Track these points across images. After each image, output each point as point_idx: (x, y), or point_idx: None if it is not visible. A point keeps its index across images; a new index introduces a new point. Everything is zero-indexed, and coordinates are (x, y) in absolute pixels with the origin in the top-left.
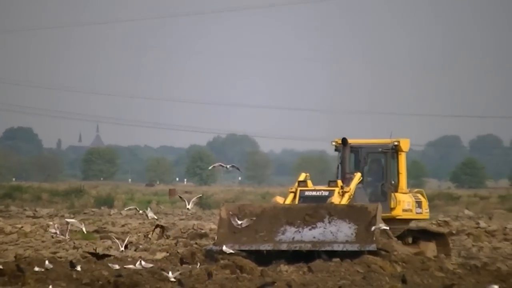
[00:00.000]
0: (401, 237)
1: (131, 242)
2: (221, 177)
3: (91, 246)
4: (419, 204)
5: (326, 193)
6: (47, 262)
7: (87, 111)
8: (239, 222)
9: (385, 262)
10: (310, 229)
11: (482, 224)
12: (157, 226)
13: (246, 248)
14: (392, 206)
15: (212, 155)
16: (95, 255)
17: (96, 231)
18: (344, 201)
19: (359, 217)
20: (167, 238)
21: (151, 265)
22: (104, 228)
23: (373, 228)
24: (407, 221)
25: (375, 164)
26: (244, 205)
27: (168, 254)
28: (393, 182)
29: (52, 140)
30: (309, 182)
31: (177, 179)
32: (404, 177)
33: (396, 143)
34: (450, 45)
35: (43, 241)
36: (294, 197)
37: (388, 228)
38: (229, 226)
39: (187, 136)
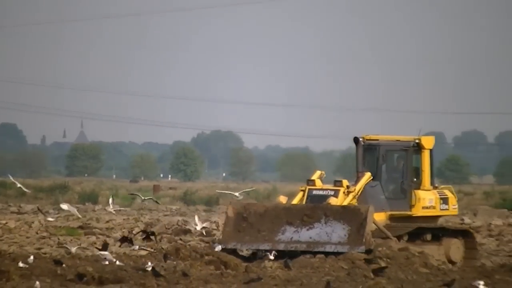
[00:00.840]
0: (417, 235)
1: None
2: (205, 173)
3: (75, 242)
4: (444, 200)
5: (332, 193)
6: (31, 257)
7: (72, 107)
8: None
9: (369, 258)
10: (307, 230)
11: (467, 220)
12: (144, 232)
13: (248, 248)
14: (412, 204)
15: (196, 151)
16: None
17: (81, 227)
18: (348, 201)
19: (352, 218)
20: (153, 240)
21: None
22: (89, 224)
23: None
24: (432, 218)
25: (395, 162)
26: (249, 204)
27: (152, 250)
28: (415, 179)
29: (37, 136)
30: (318, 181)
31: (162, 175)
32: (427, 175)
33: (417, 141)
34: (433, 41)
35: (27, 237)
36: (303, 196)
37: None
38: (235, 225)
39: (171, 133)
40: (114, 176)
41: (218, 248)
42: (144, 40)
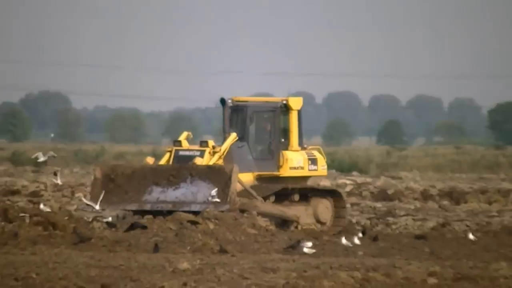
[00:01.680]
0: (285, 196)
1: None
2: (33, 134)
3: None
4: (313, 161)
5: (198, 153)
6: None
7: None
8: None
9: (197, 218)
10: (174, 190)
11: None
12: None
13: (115, 208)
14: (280, 164)
15: (24, 112)
16: None
17: None
18: (213, 161)
19: (217, 178)
20: None
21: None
22: None
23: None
24: (301, 179)
25: (263, 123)
26: (117, 165)
27: None
28: (283, 140)
29: None
30: (185, 142)
31: None
32: (295, 135)
33: (284, 102)
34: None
35: None
36: (170, 157)
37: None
38: (102, 186)
39: None
40: None
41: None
42: None
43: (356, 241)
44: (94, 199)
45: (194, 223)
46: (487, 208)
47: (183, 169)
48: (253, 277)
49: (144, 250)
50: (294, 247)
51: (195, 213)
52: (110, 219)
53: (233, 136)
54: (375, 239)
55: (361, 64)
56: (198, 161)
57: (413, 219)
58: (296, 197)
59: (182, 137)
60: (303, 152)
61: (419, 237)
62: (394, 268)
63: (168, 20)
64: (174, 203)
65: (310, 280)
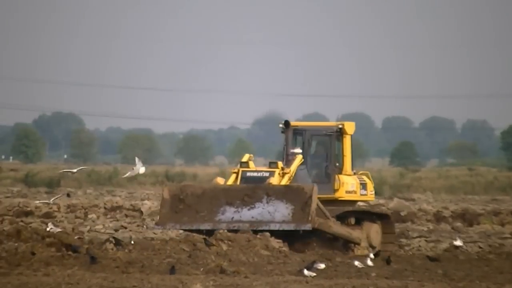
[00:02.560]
0: (342, 218)
1: None
2: (46, 155)
3: None
4: (363, 186)
5: (267, 174)
6: None
7: None
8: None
9: (211, 240)
10: (249, 209)
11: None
12: None
13: (187, 228)
14: (335, 188)
15: (38, 133)
16: None
17: None
18: (284, 182)
19: (295, 197)
20: None
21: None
22: None
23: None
24: (353, 202)
25: (320, 147)
26: (186, 185)
27: None
28: (337, 164)
29: None
30: (251, 163)
31: (3, 156)
32: (349, 160)
33: (340, 126)
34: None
35: None
36: (236, 178)
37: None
38: (171, 206)
39: (12, 114)
40: None
41: (56, 229)
42: None
43: (369, 262)
44: (163, 219)
45: (208, 244)
46: (500, 229)
47: (258, 189)
48: None
49: (158, 272)
50: (308, 268)
51: (272, 231)
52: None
53: (299, 158)
54: (388, 261)
55: (373, 85)
56: (273, 181)
57: (426, 240)
58: (352, 220)
59: (245, 159)
60: (355, 176)
61: (432, 259)
62: None
63: (181, 42)
64: (251, 223)
65: None
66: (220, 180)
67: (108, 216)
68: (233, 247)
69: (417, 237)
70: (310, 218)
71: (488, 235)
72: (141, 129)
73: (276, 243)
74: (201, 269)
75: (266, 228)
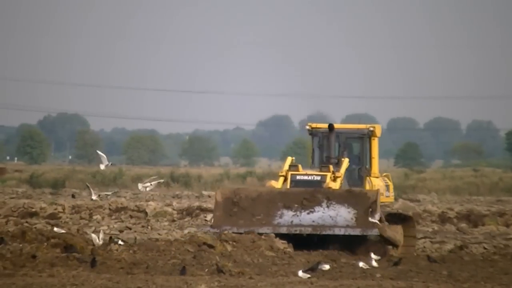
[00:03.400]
0: None
1: None
2: (51, 156)
3: None
4: (387, 187)
5: (318, 178)
6: None
7: None
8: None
9: (216, 241)
10: (308, 213)
11: None
12: None
13: (244, 231)
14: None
15: (42, 134)
16: None
17: None
18: (337, 185)
19: (358, 202)
20: None
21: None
22: None
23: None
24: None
25: (352, 149)
26: (240, 189)
27: None
28: (367, 166)
29: None
30: (300, 167)
31: (8, 157)
32: (377, 162)
33: (371, 129)
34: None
35: None
36: (285, 180)
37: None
38: (225, 209)
39: (17, 115)
40: None
41: (60, 230)
42: None
43: (374, 263)
44: (217, 222)
45: (211, 246)
46: (504, 230)
47: (317, 193)
48: None
49: (162, 273)
50: (313, 269)
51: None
52: None
53: (347, 161)
54: (396, 263)
55: (378, 86)
56: (332, 185)
57: (431, 241)
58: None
59: (288, 163)
60: (381, 178)
61: (432, 260)
62: None
63: (186, 43)
64: (313, 227)
65: None
66: (275, 183)
67: (113, 217)
68: (237, 248)
69: (422, 238)
70: (376, 223)
71: (493, 236)
72: (146, 130)
73: (280, 244)
74: (206, 270)
75: (330, 232)
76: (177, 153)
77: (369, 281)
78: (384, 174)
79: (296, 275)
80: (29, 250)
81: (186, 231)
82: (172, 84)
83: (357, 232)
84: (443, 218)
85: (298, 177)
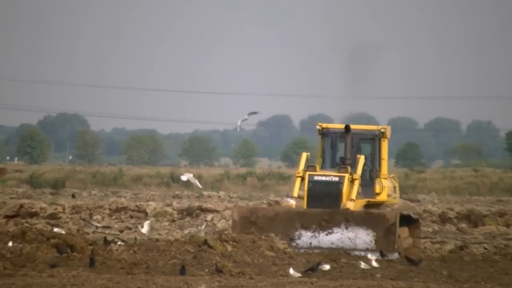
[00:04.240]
0: None
1: None
2: (51, 156)
3: None
4: (394, 189)
5: (336, 179)
6: None
7: None
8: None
9: (216, 241)
10: (326, 235)
11: None
12: None
13: None
14: (377, 191)
15: (43, 134)
16: None
17: None
18: (355, 189)
19: (377, 224)
20: None
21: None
22: None
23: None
24: (391, 205)
25: (363, 150)
26: (257, 208)
27: None
28: (377, 168)
29: None
30: (317, 167)
31: (8, 157)
32: (386, 163)
33: (382, 130)
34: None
35: None
36: (302, 181)
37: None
38: (242, 228)
39: (17, 115)
40: None
41: (60, 230)
42: None
43: (374, 263)
44: None
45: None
46: (505, 230)
47: (336, 214)
48: None
49: (162, 273)
50: (313, 269)
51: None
52: None
53: (363, 158)
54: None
55: (378, 86)
56: (350, 205)
57: (432, 241)
58: None
59: (303, 159)
60: (389, 180)
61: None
62: None
63: (186, 43)
64: (332, 250)
65: None
66: (292, 203)
67: (113, 217)
68: (237, 248)
69: (422, 238)
70: (396, 247)
71: (493, 236)
72: (146, 130)
73: (281, 244)
74: (206, 270)
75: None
76: (177, 153)
77: (369, 281)
78: (391, 175)
79: (296, 275)
80: (29, 250)
81: (186, 231)
82: (172, 84)
83: (377, 256)
84: (443, 218)
85: (316, 178)
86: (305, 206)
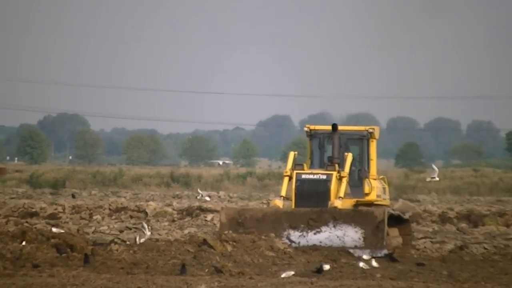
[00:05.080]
0: None
1: None
2: (51, 156)
3: None
4: (384, 190)
5: (324, 177)
6: None
7: None
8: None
9: (216, 241)
10: (315, 234)
11: None
12: None
13: None
14: (366, 192)
15: (43, 134)
16: None
17: None
18: (343, 187)
19: (365, 221)
20: None
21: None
22: None
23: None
24: (380, 206)
25: (352, 151)
26: (244, 209)
27: None
28: (366, 168)
29: None
30: (305, 165)
31: (8, 157)
32: (375, 164)
33: (371, 131)
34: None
35: None
36: (290, 180)
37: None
38: (230, 230)
39: (17, 115)
40: None
41: (59, 230)
42: None
43: (374, 263)
44: None
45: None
46: (505, 230)
47: (323, 212)
48: None
49: (162, 273)
50: (320, 271)
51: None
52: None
53: (350, 156)
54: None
55: (378, 86)
56: (338, 204)
57: (431, 241)
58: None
59: (291, 158)
60: (379, 181)
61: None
62: None
63: (186, 43)
64: (326, 249)
65: None
66: (279, 203)
67: (113, 217)
68: (237, 248)
69: (422, 238)
70: (385, 243)
71: (493, 236)
72: (146, 130)
73: (281, 244)
74: (206, 270)
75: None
76: (177, 153)
77: (369, 281)
78: (381, 176)
79: (297, 275)
80: (29, 250)
81: (186, 231)
82: (172, 84)
83: (366, 253)
84: (443, 218)
85: (303, 176)
86: (293, 205)
